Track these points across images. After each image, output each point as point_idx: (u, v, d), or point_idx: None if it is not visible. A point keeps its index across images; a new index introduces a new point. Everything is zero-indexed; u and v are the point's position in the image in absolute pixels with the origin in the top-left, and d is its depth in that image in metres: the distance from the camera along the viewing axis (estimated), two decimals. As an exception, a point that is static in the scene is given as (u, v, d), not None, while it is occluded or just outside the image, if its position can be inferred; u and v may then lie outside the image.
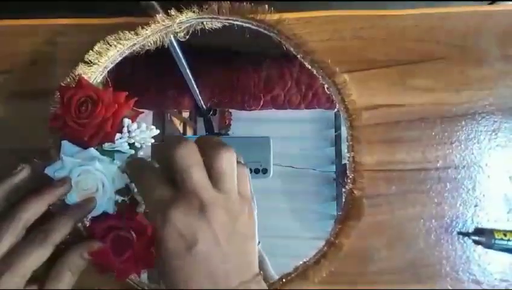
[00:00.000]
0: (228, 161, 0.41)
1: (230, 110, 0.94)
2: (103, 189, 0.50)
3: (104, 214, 0.51)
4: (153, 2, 0.53)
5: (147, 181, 0.44)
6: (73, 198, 0.49)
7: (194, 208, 0.39)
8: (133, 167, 0.48)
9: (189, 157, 0.41)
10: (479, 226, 0.60)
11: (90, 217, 0.52)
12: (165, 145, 0.43)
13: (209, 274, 0.39)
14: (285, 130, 0.96)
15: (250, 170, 0.91)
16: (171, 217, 0.39)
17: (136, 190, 0.51)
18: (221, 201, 0.40)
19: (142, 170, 0.46)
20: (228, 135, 0.96)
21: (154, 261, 0.46)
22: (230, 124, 0.97)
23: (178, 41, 0.59)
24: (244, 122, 0.96)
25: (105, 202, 0.50)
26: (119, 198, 0.52)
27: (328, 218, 0.91)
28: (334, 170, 0.94)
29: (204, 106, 0.87)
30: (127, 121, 0.51)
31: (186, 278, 0.40)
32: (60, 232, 0.46)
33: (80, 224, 0.54)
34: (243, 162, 0.45)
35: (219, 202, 0.40)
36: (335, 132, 0.94)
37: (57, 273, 0.47)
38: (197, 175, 0.40)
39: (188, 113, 1.00)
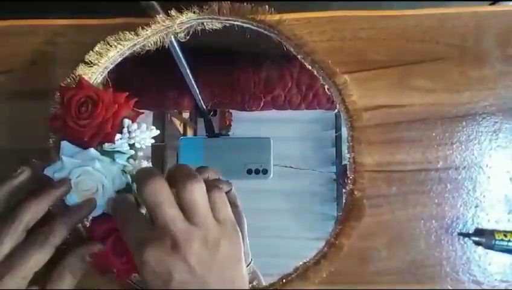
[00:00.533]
0: (197, 192, 0.42)
1: (230, 110, 0.94)
2: (103, 189, 0.50)
3: (104, 215, 0.51)
4: (153, 2, 0.53)
5: (126, 220, 0.45)
6: (73, 199, 0.49)
7: (166, 245, 0.40)
8: (116, 204, 0.48)
9: (159, 193, 0.41)
10: (480, 227, 0.60)
11: (90, 217, 0.52)
12: (136, 180, 0.44)
13: None
14: (285, 131, 0.96)
15: (251, 170, 0.91)
16: (145, 257, 0.40)
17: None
18: (195, 233, 0.41)
19: (123, 208, 0.47)
20: (228, 135, 0.96)
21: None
22: (231, 125, 0.97)
23: (178, 41, 0.59)
24: (245, 122, 0.96)
25: (106, 203, 0.50)
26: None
27: (328, 219, 0.91)
28: (335, 171, 0.93)
29: (204, 107, 0.87)
30: (127, 121, 0.51)
31: None
32: (60, 233, 0.46)
33: (80, 225, 0.54)
34: (221, 185, 0.45)
35: (193, 235, 0.41)
36: (335, 132, 0.94)
37: (58, 275, 0.47)
38: (167, 211, 0.41)
39: (188, 113, 1.00)
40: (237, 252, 0.43)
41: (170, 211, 0.41)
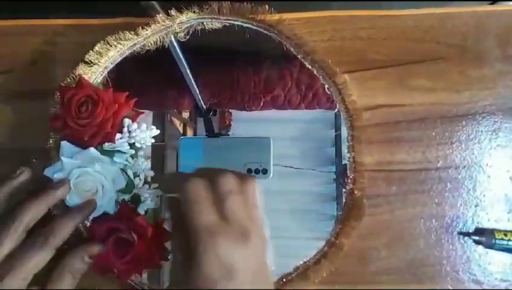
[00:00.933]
0: (257, 190, 0.43)
1: (230, 110, 0.94)
2: (103, 190, 0.50)
3: (105, 216, 0.51)
4: (153, 2, 0.53)
5: (197, 203, 0.41)
6: (73, 200, 0.49)
7: (237, 238, 0.39)
8: (188, 182, 0.43)
9: (231, 185, 0.41)
10: (480, 226, 0.60)
11: (91, 217, 0.52)
12: (210, 172, 0.43)
13: None
14: (285, 131, 0.96)
15: (250, 170, 0.91)
16: (215, 245, 0.38)
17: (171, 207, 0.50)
18: (256, 230, 0.41)
19: (196, 187, 0.43)
20: (228, 135, 0.96)
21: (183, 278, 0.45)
22: (231, 125, 0.96)
23: (178, 41, 0.59)
24: (245, 122, 0.96)
25: (106, 203, 0.50)
26: (122, 196, 0.52)
27: (328, 218, 0.91)
28: (335, 170, 0.93)
29: (204, 107, 0.87)
30: (127, 121, 0.51)
31: None
32: (61, 235, 0.46)
33: (80, 225, 0.54)
34: None
35: (255, 231, 0.40)
36: (335, 132, 0.94)
37: (58, 276, 0.47)
38: (238, 203, 0.41)
39: (188, 113, 1.00)
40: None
41: (240, 204, 0.41)
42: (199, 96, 0.83)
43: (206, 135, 0.94)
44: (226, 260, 0.38)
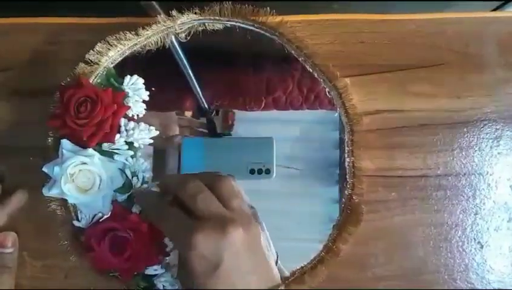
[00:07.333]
0: (231, 182, 0.45)
1: (233, 110, 0.94)
2: (100, 185, 0.50)
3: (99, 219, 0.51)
4: (152, 2, 0.53)
5: (163, 213, 0.45)
6: (70, 191, 0.49)
7: (214, 230, 0.41)
8: (143, 197, 0.51)
9: (198, 187, 0.44)
10: (479, 234, 0.60)
11: (90, 220, 0.52)
12: (173, 181, 0.47)
13: (232, 287, 0.41)
14: (288, 132, 0.96)
15: (253, 170, 0.91)
16: (193, 243, 0.40)
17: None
18: (237, 218, 0.42)
19: (154, 200, 0.48)
20: (231, 135, 0.96)
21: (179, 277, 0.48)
22: (233, 124, 0.96)
23: (179, 42, 0.59)
24: (247, 122, 0.96)
25: (101, 200, 0.51)
26: (119, 196, 0.52)
27: (331, 221, 0.91)
28: (338, 173, 0.93)
29: (206, 107, 0.87)
30: (123, 120, 0.51)
31: None
32: None
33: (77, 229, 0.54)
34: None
35: (235, 220, 0.42)
36: (339, 134, 0.93)
37: None
38: (210, 199, 0.43)
39: (190, 113, 1.00)
40: (264, 240, 0.46)
41: (212, 199, 0.43)
42: (201, 96, 0.83)
43: (209, 135, 0.94)
44: (207, 253, 0.40)
